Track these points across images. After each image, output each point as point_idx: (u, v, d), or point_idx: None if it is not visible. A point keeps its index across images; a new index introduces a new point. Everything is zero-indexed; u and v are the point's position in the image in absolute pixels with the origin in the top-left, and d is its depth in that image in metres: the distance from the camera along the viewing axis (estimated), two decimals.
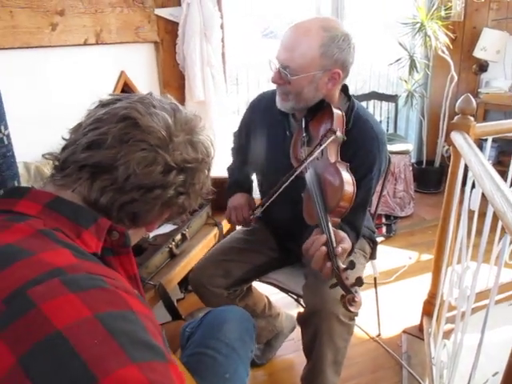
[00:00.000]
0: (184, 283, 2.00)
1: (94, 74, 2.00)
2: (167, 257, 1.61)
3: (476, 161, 1.20)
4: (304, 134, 1.32)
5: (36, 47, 1.68)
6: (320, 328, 1.28)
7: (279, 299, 1.93)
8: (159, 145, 0.71)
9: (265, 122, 1.46)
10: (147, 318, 0.56)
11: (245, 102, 5.45)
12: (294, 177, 1.27)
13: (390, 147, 3.04)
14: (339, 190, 1.15)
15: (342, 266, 1.06)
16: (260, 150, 1.49)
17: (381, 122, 3.51)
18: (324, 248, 1.08)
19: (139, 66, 2.36)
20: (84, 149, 0.70)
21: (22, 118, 1.59)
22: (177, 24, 2.44)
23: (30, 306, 0.50)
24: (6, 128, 0.81)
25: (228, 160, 1.84)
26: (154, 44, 2.45)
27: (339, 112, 1.29)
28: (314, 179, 1.22)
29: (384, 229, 2.86)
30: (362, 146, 1.28)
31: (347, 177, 1.18)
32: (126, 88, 2.20)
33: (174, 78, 2.53)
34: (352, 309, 1.02)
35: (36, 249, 0.58)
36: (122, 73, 2.17)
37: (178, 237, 1.66)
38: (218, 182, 1.96)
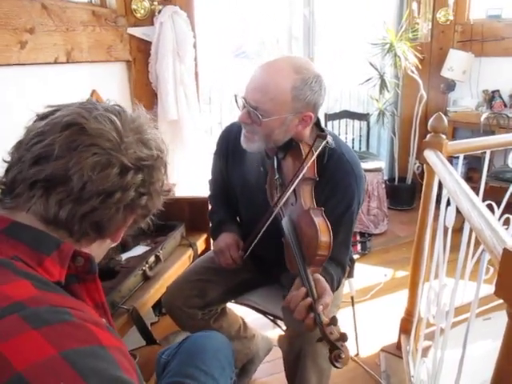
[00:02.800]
0: (158, 306, 1.94)
1: (65, 93, 1.96)
2: (140, 280, 1.57)
3: (451, 179, 1.21)
4: (276, 176, 1.29)
5: (4, 65, 1.63)
6: (303, 351, 1.24)
7: (254, 320, 1.89)
8: (111, 147, 0.67)
9: (238, 157, 1.41)
10: (119, 352, 0.52)
11: (217, 121, 5.46)
12: (270, 221, 1.25)
13: (363, 165, 3.07)
14: (315, 240, 1.12)
15: (325, 320, 1.02)
16: (236, 185, 1.46)
17: (353, 139, 3.56)
18: (305, 302, 1.05)
19: (111, 85, 2.34)
20: (31, 164, 0.65)
21: None
22: (149, 43, 2.43)
23: None
24: None
25: (200, 180, 1.82)
26: (127, 63, 2.43)
27: (307, 148, 1.24)
28: (290, 227, 1.20)
29: (359, 246, 2.87)
30: (339, 182, 1.25)
31: (323, 225, 1.14)
32: None
33: (147, 97, 2.51)
34: (338, 365, 0.98)
35: None
36: (94, 92, 2.13)
37: (152, 259, 1.61)
38: (192, 202, 1.97)
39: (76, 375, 0.45)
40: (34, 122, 0.71)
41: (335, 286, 1.29)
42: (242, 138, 1.30)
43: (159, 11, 2.40)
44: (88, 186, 0.65)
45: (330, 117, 3.35)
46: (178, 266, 1.74)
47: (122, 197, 0.68)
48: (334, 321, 1.01)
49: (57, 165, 0.64)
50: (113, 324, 0.75)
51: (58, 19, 1.87)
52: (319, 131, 1.33)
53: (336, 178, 1.25)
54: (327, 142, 1.16)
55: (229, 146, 1.47)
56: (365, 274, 2.58)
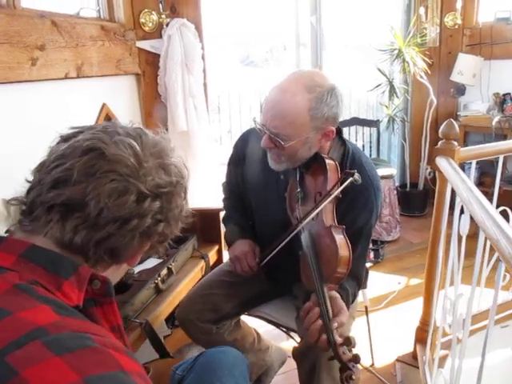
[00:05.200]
0: (171, 318, 1.94)
1: (76, 108, 1.98)
2: (153, 293, 1.57)
3: (464, 187, 1.20)
4: (298, 189, 1.28)
5: (15, 82, 1.65)
6: (318, 362, 1.23)
7: (268, 331, 1.88)
8: (129, 173, 0.66)
9: (256, 162, 1.40)
10: (139, 377, 0.52)
11: (227, 129, 5.48)
12: (291, 236, 1.24)
13: None
14: (334, 258, 1.11)
15: (339, 340, 1.02)
16: (252, 190, 1.46)
17: (363, 146, 3.55)
18: (319, 322, 1.05)
19: (121, 98, 2.35)
20: (50, 188, 0.65)
21: (1, 153, 1.55)
22: (158, 55, 2.45)
23: (12, 374, 0.46)
24: None
25: (212, 191, 1.81)
26: (136, 76, 2.45)
27: (332, 164, 1.24)
28: (309, 243, 1.19)
29: (372, 254, 2.84)
30: (359, 195, 1.24)
31: (343, 244, 1.13)
32: (108, 120, 2.18)
33: (156, 109, 2.53)
34: None
35: (13, 307, 0.54)
36: (104, 105, 2.15)
37: (164, 271, 1.62)
38: (203, 214, 1.97)
39: None
40: (57, 143, 0.72)
41: (351, 302, 1.27)
42: (270, 160, 1.30)
43: (167, 24, 2.42)
44: (104, 212, 0.65)
45: (339, 124, 3.33)
46: (191, 279, 1.74)
47: (139, 224, 0.68)
48: (347, 341, 1.01)
49: (74, 190, 0.64)
50: (129, 347, 0.74)
51: (68, 35, 1.89)
52: (340, 140, 1.34)
53: (355, 190, 1.23)
54: (355, 180, 1.14)
55: (246, 151, 1.46)
56: (378, 282, 2.56)
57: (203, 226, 1.96)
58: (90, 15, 2.22)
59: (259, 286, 1.52)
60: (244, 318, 1.64)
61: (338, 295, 1.14)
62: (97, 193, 0.64)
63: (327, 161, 1.24)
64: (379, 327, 2.07)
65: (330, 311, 1.07)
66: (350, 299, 1.26)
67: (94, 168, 0.65)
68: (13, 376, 0.46)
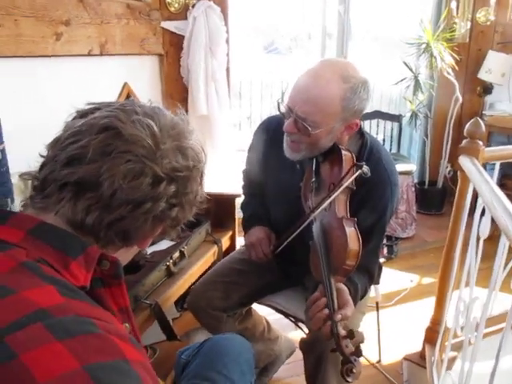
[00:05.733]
0: (180, 301, 1.95)
1: (97, 85, 1.98)
2: (164, 275, 1.57)
3: (487, 188, 1.16)
4: (313, 179, 1.27)
5: (39, 56, 1.65)
6: (325, 355, 1.23)
7: (276, 320, 1.87)
8: (145, 155, 0.64)
9: (275, 150, 1.37)
10: (142, 368, 0.51)
11: (246, 116, 5.46)
12: (304, 226, 1.23)
13: None
14: (343, 250, 1.10)
15: (342, 332, 1.01)
16: (269, 178, 1.45)
17: (384, 140, 3.49)
18: (325, 311, 1.05)
19: (143, 78, 2.34)
20: (63, 165, 0.64)
21: (21, 127, 1.55)
22: (182, 37, 2.43)
23: (10, 355, 0.45)
24: (2, 142, 0.76)
25: (228, 176, 1.79)
26: (159, 56, 2.43)
27: (349, 155, 1.22)
28: (320, 233, 1.18)
29: (385, 250, 2.81)
30: (374, 189, 1.22)
31: (353, 236, 1.11)
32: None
33: (177, 91, 2.51)
34: (349, 379, 0.96)
35: (18, 285, 0.53)
36: (126, 84, 2.15)
37: (176, 254, 1.62)
38: (218, 199, 1.96)
39: None
40: (73, 119, 0.70)
41: (359, 296, 1.26)
42: (286, 148, 1.28)
43: (193, 5, 2.40)
44: (118, 193, 0.63)
45: (362, 117, 3.28)
46: (202, 263, 1.74)
47: (152, 207, 0.66)
48: (351, 334, 1.00)
49: (89, 169, 0.62)
50: (136, 329, 0.74)
51: (94, 12, 1.88)
52: (359, 132, 1.31)
53: (371, 184, 1.21)
54: (363, 172, 1.12)
55: (267, 138, 1.44)
56: (390, 278, 2.53)
57: (218, 211, 1.95)
58: None
59: (271, 276, 1.52)
60: (254, 306, 1.64)
61: (345, 288, 1.13)
62: (111, 173, 0.62)
63: (343, 152, 1.22)
64: (389, 324, 2.06)
65: (336, 303, 1.06)
66: (358, 293, 1.24)
67: (109, 147, 0.63)
68: (11, 358, 0.45)
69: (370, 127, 3.39)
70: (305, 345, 1.33)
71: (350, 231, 1.11)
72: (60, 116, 1.90)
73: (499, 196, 1.09)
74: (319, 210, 1.17)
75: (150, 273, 1.47)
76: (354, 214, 1.18)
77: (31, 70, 1.63)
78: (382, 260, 2.70)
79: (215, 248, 1.85)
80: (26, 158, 1.35)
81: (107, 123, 0.64)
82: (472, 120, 1.52)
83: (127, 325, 0.58)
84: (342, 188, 1.14)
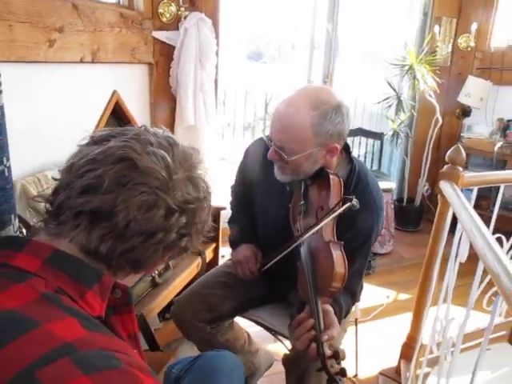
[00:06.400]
0: (162, 312, 1.95)
1: (88, 92, 1.98)
2: (149, 285, 1.59)
3: (466, 215, 1.22)
4: (302, 202, 1.30)
5: (31, 62, 1.65)
6: (307, 372, 1.25)
7: (256, 332, 1.89)
8: (159, 187, 0.66)
9: (264, 171, 1.41)
10: None
11: (227, 123, 5.48)
12: (291, 248, 1.27)
13: None
14: (329, 273, 1.13)
15: (328, 352, 1.04)
16: (259, 198, 1.48)
17: (365, 157, 3.57)
18: (311, 333, 1.08)
19: (132, 86, 2.35)
20: (79, 193, 0.65)
21: (11, 132, 1.55)
22: (172, 47, 2.45)
23: None
24: (8, 159, 0.77)
25: (217, 189, 1.80)
26: (149, 65, 2.45)
27: (337, 180, 1.26)
28: (307, 255, 1.21)
29: None
30: (360, 213, 1.24)
31: (340, 260, 1.15)
32: (117, 107, 2.18)
33: (165, 101, 2.53)
34: None
35: (42, 318, 0.54)
36: (115, 92, 2.15)
37: (162, 265, 1.63)
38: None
39: None
40: (87, 144, 0.71)
41: (343, 316, 1.30)
42: (276, 171, 1.32)
43: (185, 17, 2.43)
44: (132, 224, 0.65)
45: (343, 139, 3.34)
46: (186, 274, 1.76)
47: (164, 238, 0.68)
48: (336, 355, 1.03)
49: (104, 199, 0.64)
50: (143, 355, 0.76)
51: (87, 20, 1.89)
52: (347, 157, 1.35)
53: (358, 208, 1.23)
54: (352, 205, 1.16)
55: (258, 159, 1.47)
56: (368, 293, 2.57)
57: None
58: (109, 0, 2.23)
59: (256, 291, 1.54)
60: (236, 319, 1.65)
61: (331, 309, 1.16)
62: (126, 204, 0.64)
63: (331, 176, 1.26)
64: (366, 339, 2.10)
65: (322, 324, 1.09)
66: (343, 314, 1.28)
67: (125, 178, 0.64)
68: None
69: (353, 144, 3.47)
70: (288, 360, 1.36)
71: (337, 255, 1.15)
72: (51, 122, 1.88)
73: (478, 224, 1.15)
74: (307, 235, 1.20)
75: (136, 284, 1.48)
76: (340, 236, 1.22)
77: (24, 76, 1.63)
78: None
79: (199, 260, 1.87)
80: (17, 164, 1.35)
81: (123, 154, 0.66)
82: (454, 147, 1.58)
83: (135, 351, 0.59)
84: (329, 218, 1.18)
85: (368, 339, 2.15)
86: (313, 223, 1.21)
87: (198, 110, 2.51)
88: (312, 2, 3.28)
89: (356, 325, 1.86)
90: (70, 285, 0.63)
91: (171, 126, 2.54)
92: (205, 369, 1.02)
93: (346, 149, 1.36)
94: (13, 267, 0.61)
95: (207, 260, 1.94)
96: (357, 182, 1.31)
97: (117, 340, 0.60)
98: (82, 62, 1.89)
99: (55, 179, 0.70)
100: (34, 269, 0.62)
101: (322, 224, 1.17)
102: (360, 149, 3.54)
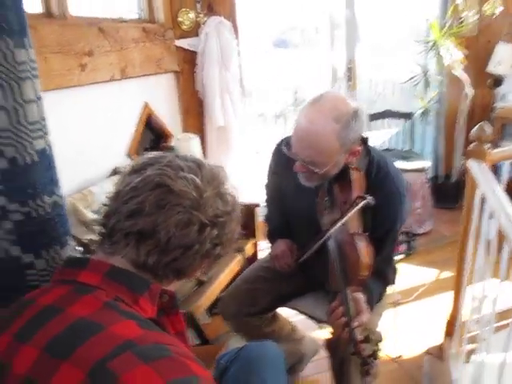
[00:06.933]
0: (210, 307, 2.06)
1: (120, 108, 2.09)
2: (195, 284, 1.69)
3: (493, 197, 1.24)
4: (327, 198, 1.38)
5: (66, 87, 1.76)
6: (347, 357, 1.33)
7: (301, 320, 1.96)
8: (192, 206, 0.77)
9: (290, 170, 1.44)
10: (206, 379, 0.65)
11: (262, 114, 5.52)
12: (322, 241, 1.34)
13: (407, 165, 3.08)
14: (356, 264, 1.22)
15: (359, 337, 1.13)
16: (288, 195, 1.55)
17: (396, 138, 3.55)
18: (342, 319, 1.17)
19: (161, 96, 2.46)
20: (126, 217, 0.77)
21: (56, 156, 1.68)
22: (195, 53, 2.53)
23: (114, 377, 0.60)
24: (60, 188, 0.89)
25: (250, 183, 1.88)
26: (175, 73, 2.55)
27: (357, 174, 1.33)
28: (335, 247, 1.29)
29: (404, 246, 2.88)
30: (384, 201, 1.30)
31: (365, 250, 1.23)
32: (149, 119, 2.29)
33: (194, 106, 2.62)
34: (368, 378, 1.12)
35: (106, 322, 0.67)
36: (146, 104, 2.26)
37: None
38: (241, 209, 2.07)
39: None
40: (129, 173, 0.82)
41: (375, 302, 1.37)
42: (301, 178, 1.38)
43: (204, 22, 2.50)
44: (172, 240, 0.76)
45: (372, 117, 3.35)
46: (229, 271, 1.86)
47: (200, 249, 0.79)
48: (367, 339, 1.13)
49: (147, 220, 0.76)
50: (190, 348, 0.87)
51: (113, 40, 2.00)
52: (366, 149, 1.39)
53: (382, 196, 1.29)
54: (368, 202, 1.23)
55: (284, 159, 1.50)
56: (409, 274, 2.61)
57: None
58: (131, 17, 2.33)
59: (294, 282, 1.62)
60: (279, 309, 1.74)
61: (361, 296, 1.24)
62: (166, 224, 0.75)
63: (352, 171, 1.33)
64: (409, 319, 2.14)
65: (352, 311, 1.18)
66: (374, 299, 1.36)
67: (163, 202, 0.76)
68: (115, 378, 0.60)
69: (383, 126, 3.46)
70: (330, 344, 1.45)
71: (362, 246, 1.24)
72: (87, 140, 1.97)
73: (504, 205, 1.17)
74: (333, 229, 1.28)
75: (183, 283, 1.59)
76: (367, 224, 1.30)
77: (60, 101, 1.74)
78: (401, 256, 2.78)
79: (239, 256, 1.96)
80: (64, 182, 1.46)
81: (160, 181, 0.77)
82: (478, 124, 1.58)
83: (194, 356, 0.71)
84: (351, 212, 1.25)
85: (412, 319, 2.18)
86: (338, 217, 1.28)
87: (227, 111, 2.59)
88: None
89: (395, 307, 1.90)
90: (126, 293, 0.75)
91: (201, 129, 2.63)
92: (248, 358, 1.13)
93: (365, 141, 1.40)
94: (79, 283, 0.75)
95: (247, 255, 2.03)
96: (377, 172, 1.36)
97: (168, 336, 0.73)
98: (112, 79, 2.01)
99: (105, 205, 0.83)
100: (96, 282, 0.75)
101: (345, 218, 1.25)
102: (390, 130, 3.53)
